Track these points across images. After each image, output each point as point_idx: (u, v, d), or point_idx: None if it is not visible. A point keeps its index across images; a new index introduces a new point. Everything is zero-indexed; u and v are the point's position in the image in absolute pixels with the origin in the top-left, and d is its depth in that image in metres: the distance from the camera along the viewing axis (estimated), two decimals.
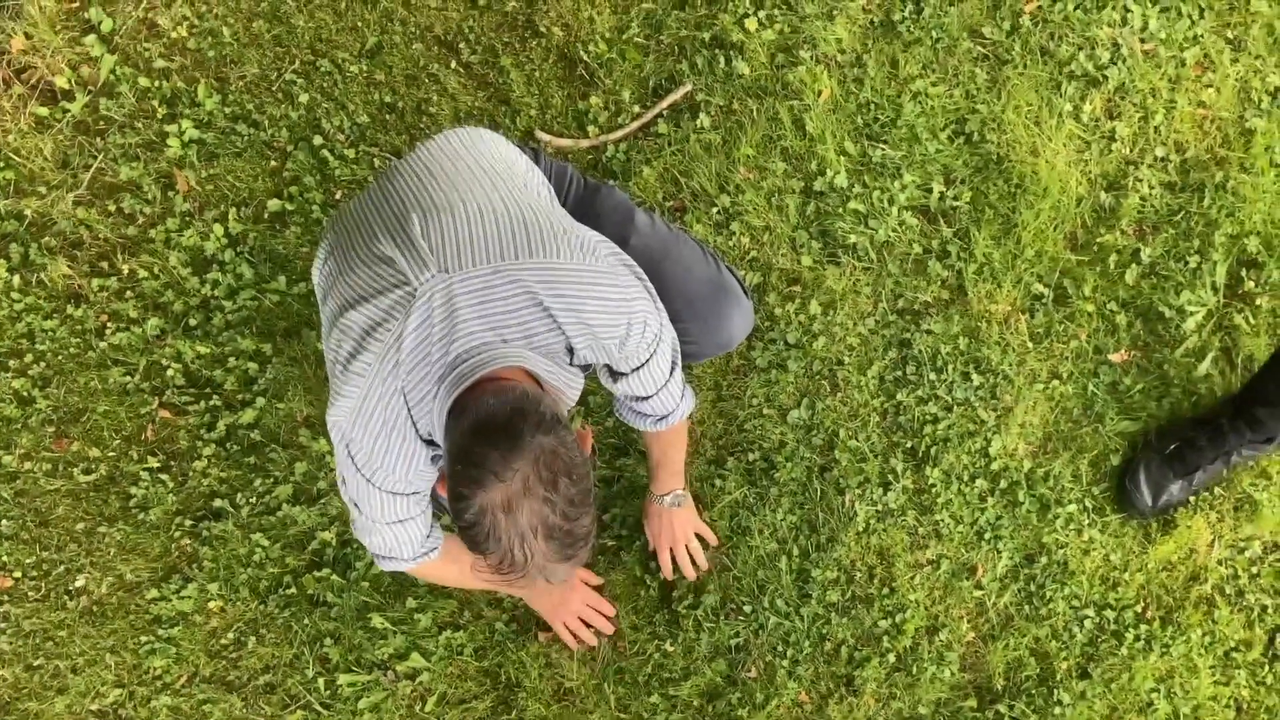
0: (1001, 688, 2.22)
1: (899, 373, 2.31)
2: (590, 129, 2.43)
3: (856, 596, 2.24)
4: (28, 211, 2.44)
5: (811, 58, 2.39)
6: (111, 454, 2.38)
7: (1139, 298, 2.31)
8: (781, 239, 2.35)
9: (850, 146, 2.37)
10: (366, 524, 1.67)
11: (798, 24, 2.42)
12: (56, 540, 2.36)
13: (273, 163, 2.45)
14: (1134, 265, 2.31)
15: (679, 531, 2.20)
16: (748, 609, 2.24)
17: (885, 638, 2.22)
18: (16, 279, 2.41)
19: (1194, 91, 2.36)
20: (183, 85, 2.47)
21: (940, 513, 2.24)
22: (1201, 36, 2.37)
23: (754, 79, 2.41)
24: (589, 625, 2.20)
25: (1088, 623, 2.22)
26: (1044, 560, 2.23)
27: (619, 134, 2.42)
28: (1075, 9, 2.38)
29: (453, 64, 2.46)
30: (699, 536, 2.24)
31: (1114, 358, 2.29)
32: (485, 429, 1.36)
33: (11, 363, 2.39)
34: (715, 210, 2.36)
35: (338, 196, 2.43)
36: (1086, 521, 2.24)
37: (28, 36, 2.48)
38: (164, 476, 2.36)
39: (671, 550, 2.22)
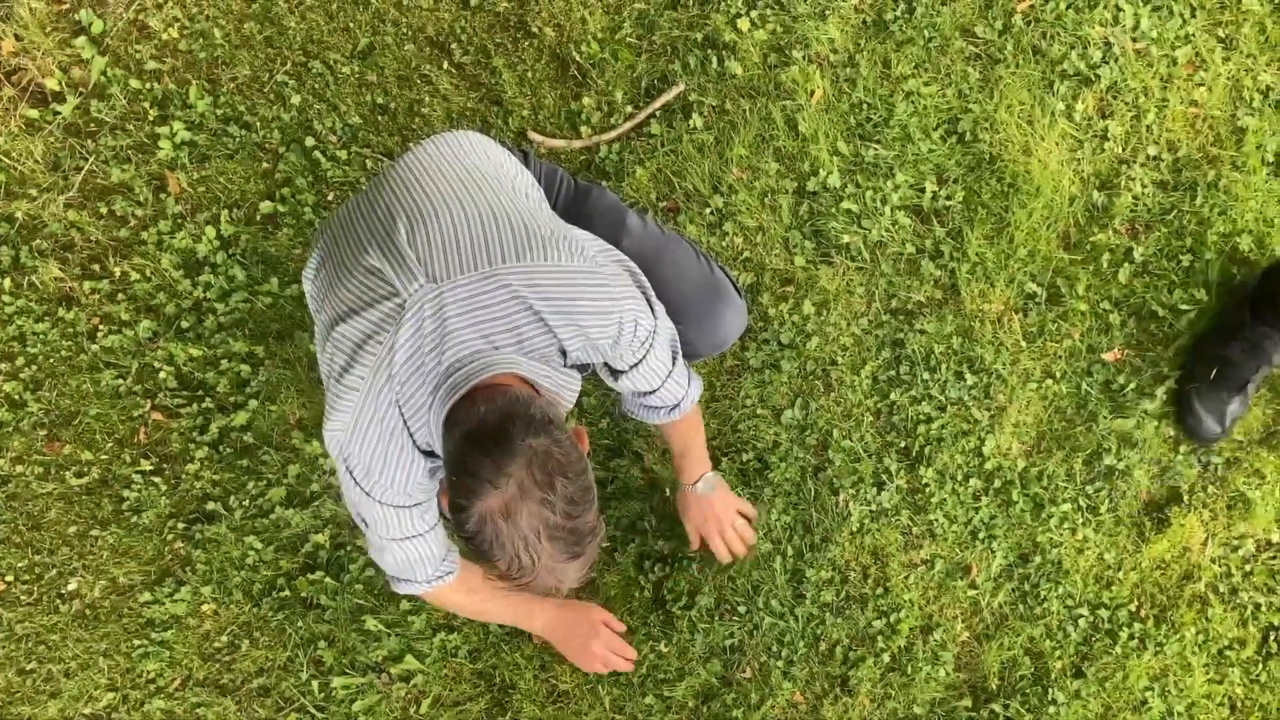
0: (996, 687, 2.22)
1: (892, 372, 2.30)
2: (583, 129, 2.43)
3: (851, 596, 2.24)
4: (19, 214, 2.43)
5: (804, 57, 2.39)
6: (104, 457, 2.37)
7: (1132, 296, 2.31)
8: (775, 239, 2.35)
9: (843, 146, 2.36)
10: (377, 542, 1.66)
11: (790, 24, 2.41)
12: (49, 544, 2.35)
13: (265, 164, 2.45)
14: (1127, 264, 2.31)
15: (722, 514, 2.16)
16: (742, 609, 2.24)
17: (880, 638, 2.22)
18: (7, 282, 2.40)
19: (1186, 90, 2.36)
20: (174, 87, 2.47)
21: (934, 512, 2.24)
22: (1193, 35, 2.37)
23: (746, 79, 2.41)
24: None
25: (1082, 622, 2.22)
26: (1038, 559, 2.23)
27: (612, 134, 2.41)
28: (1067, 8, 2.38)
29: (445, 65, 2.46)
30: (741, 514, 2.20)
31: (1107, 357, 2.30)
32: (476, 437, 1.36)
33: (3, 366, 2.38)
34: (709, 211, 2.36)
35: (330, 198, 2.42)
36: (1080, 520, 2.24)
37: (18, 38, 2.47)
38: (156, 479, 2.35)
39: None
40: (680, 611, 2.24)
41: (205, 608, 2.30)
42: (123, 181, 2.44)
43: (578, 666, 2.17)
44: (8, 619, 2.32)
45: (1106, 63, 2.36)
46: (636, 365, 1.68)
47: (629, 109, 2.43)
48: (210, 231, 2.41)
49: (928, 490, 2.25)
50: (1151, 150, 2.35)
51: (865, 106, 2.38)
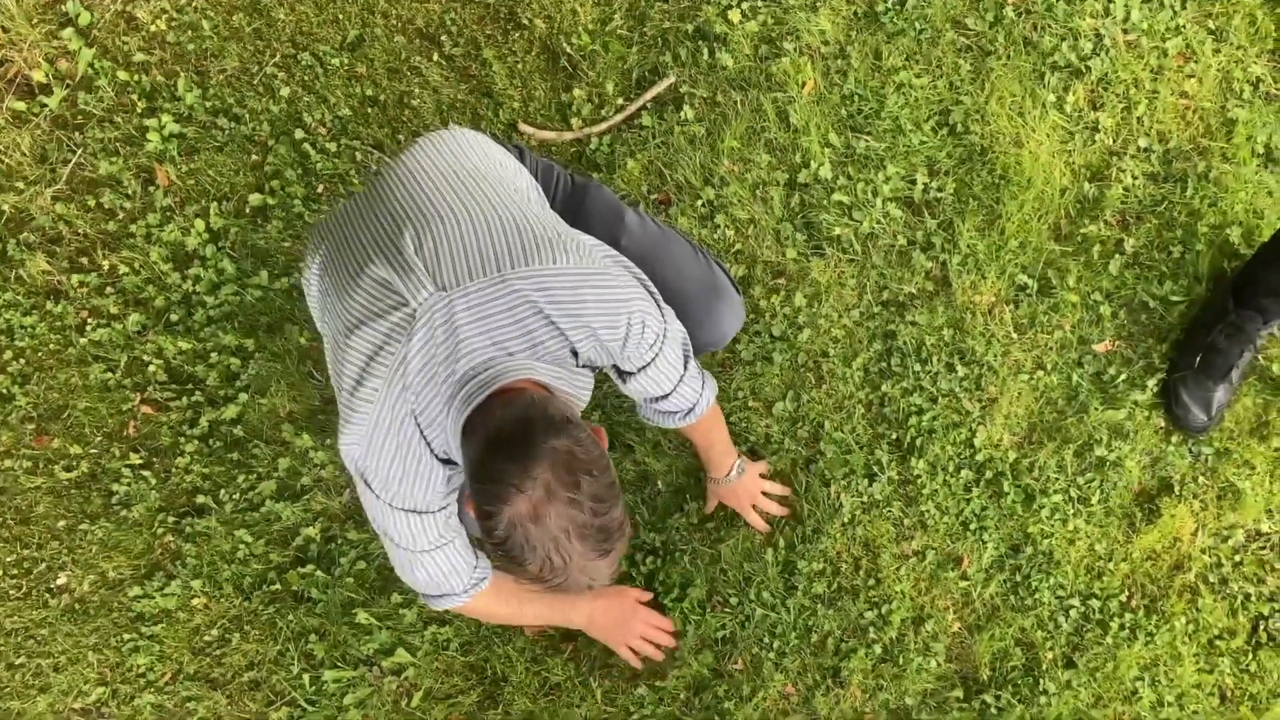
0: (987, 678, 2.23)
1: (884, 364, 2.30)
2: (574, 121, 2.42)
3: (842, 588, 2.24)
4: (5, 207, 2.42)
5: (795, 49, 2.39)
6: (93, 451, 2.36)
7: (1123, 288, 2.31)
8: (766, 231, 2.35)
9: (834, 138, 2.36)
10: (406, 557, 1.63)
11: (781, 15, 2.41)
12: (38, 538, 2.34)
13: (254, 157, 2.44)
14: (1117, 256, 2.31)
15: (753, 489, 2.21)
16: (734, 601, 2.24)
17: (871, 629, 2.22)
18: None
19: (1176, 82, 2.37)
20: (162, 79, 2.45)
21: (925, 504, 2.25)
22: (1183, 27, 2.37)
23: (738, 71, 2.40)
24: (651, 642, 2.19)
25: (1073, 612, 2.22)
26: (1029, 550, 2.24)
27: (603, 126, 2.41)
28: (1058, 0, 2.38)
29: (435, 56, 2.45)
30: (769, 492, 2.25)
31: (1098, 348, 2.30)
32: (497, 443, 1.36)
33: None
34: (700, 203, 2.36)
35: (319, 190, 2.41)
36: (1072, 511, 2.24)
37: (4, 30, 2.46)
38: (146, 473, 2.34)
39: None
40: (672, 604, 2.24)
41: (195, 602, 2.30)
42: (111, 174, 2.42)
43: (623, 658, 2.18)
44: None
45: (1097, 54, 2.36)
46: (646, 368, 1.67)
47: (620, 101, 2.42)
48: (199, 224, 2.40)
49: (919, 482, 2.25)
50: (1142, 142, 2.35)
51: (856, 98, 2.38)
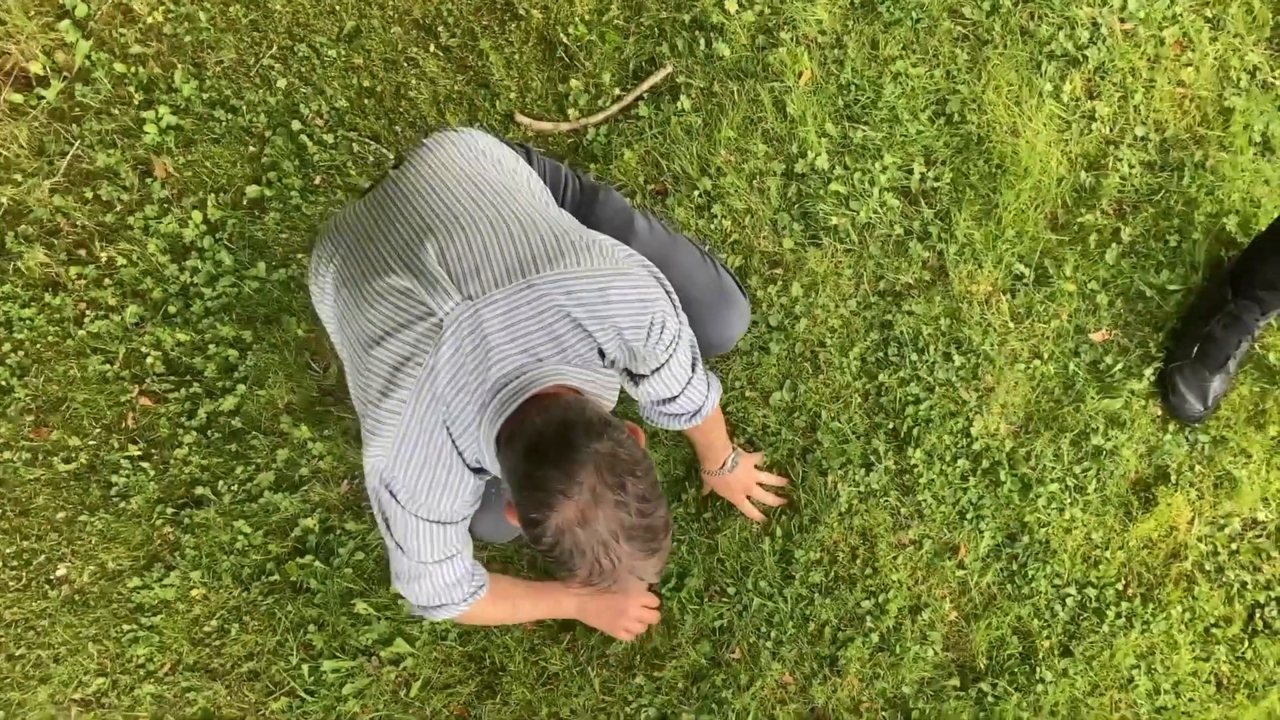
0: (984, 666, 2.23)
1: (881, 354, 2.31)
2: (570, 112, 2.42)
3: (839, 577, 2.25)
4: (3, 199, 2.42)
5: (792, 39, 2.38)
6: (92, 443, 2.37)
7: (1119, 277, 2.31)
8: (763, 221, 2.35)
9: (831, 128, 2.36)
10: (412, 570, 1.62)
11: (778, 5, 2.41)
12: (37, 529, 2.35)
13: (251, 148, 2.44)
14: (1114, 245, 2.31)
15: (747, 480, 2.22)
16: (731, 591, 2.24)
17: (868, 618, 2.23)
18: None
19: (1173, 70, 2.36)
20: (159, 71, 2.45)
21: (922, 493, 2.25)
22: (1180, 15, 2.37)
23: (734, 61, 2.40)
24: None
25: (1069, 601, 2.23)
26: (1026, 539, 2.24)
27: (599, 117, 2.41)
28: None
29: (431, 47, 2.45)
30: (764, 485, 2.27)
31: (1095, 337, 2.30)
32: (539, 449, 1.35)
33: None
34: (697, 193, 2.36)
35: (317, 182, 2.42)
36: (1068, 500, 2.25)
37: (1, 22, 2.46)
38: (145, 465, 2.35)
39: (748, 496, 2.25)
40: (669, 593, 2.24)
41: (194, 592, 2.30)
42: (108, 166, 2.42)
43: (615, 637, 2.20)
44: None
45: (1094, 43, 2.36)
46: (659, 370, 1.67)
47: (617, 91, 2.42)
48: (197, 216, 2.40)
49: (916, 471, 2.26)
50: (1139, 131, 2.35)
51: (853, 88, 2.37)
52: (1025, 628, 2.23)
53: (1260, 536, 2.26)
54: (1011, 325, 2.30)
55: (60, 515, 2.35)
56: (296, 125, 2.43)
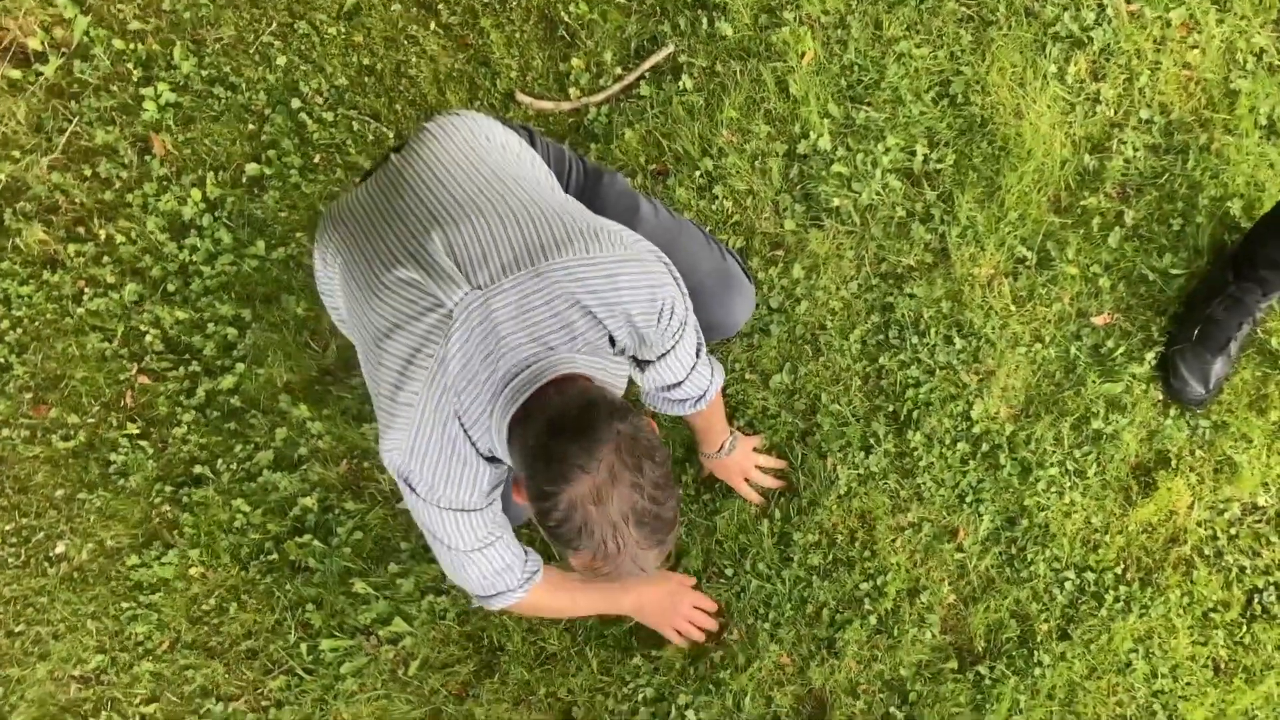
0: (982, 649, 2.23)
1: (881, 336, 2.30)
2: (572, 91, 2.40)
3: (838, 560, 2.25)
4: (1, 176, 2.41)
5: (795, 19, 2.37)
6: (90, 420, 2.37)
7: (1122, 260, 2.30)
8: (764, 202, 2.34)
9: (834, 109, 2.35)
10: (456, 558, 1.61)
11: None
12: (36, 507, 2.35)
13: (250, 126, 2.43)
14: (1117, 228, 2.30)
15: (745, 463, 2.22)
16: (729, 572, 2.24)
17: (866, 600, 2.23)
18: None
19: (1179, 53, 2.35)
20: (158, 48, 2.44)
21: (922, 476, 2.25)
22: None
23: (737, 40, 2.38)
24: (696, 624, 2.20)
25: (1068, 584, 2.23)
26: (1025, 523, 2.24)
27: (601, 96, 2.39)
28: None
29: (432, 25, 2.43)
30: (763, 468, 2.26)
31: (1096, 321, 2.29)
32: (561, 424, 1.34)
33: None
34: (698, 174, 2.34)
35: (316, 160, 2.40)
36: (1068, 484, 2.24)
37: None
38: (143, 443, 2.35)
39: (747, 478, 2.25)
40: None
41: (193, 571, 2.31)
42: (107, 143, 2.41)
43: (671, 640, 2.19)
44: None
45: (1099, 25, 2.34)
46: (665, 356, 1.66)
47: (618, 70, 2.40)
48: (196, 194, 2.39)
49: (915, 454, 2.25)
50: (1144, 113, 2.33)
51: (856, 69, 2.36)
52: (1023, 611, 2.23)
53: (1260, 521, 2.26)
54: (1013, 308, 2.29)
55: (59, 493, 2.35)
56: (296, 103, 2.41)
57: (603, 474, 1.30)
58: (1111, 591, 2.22)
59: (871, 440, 2.27)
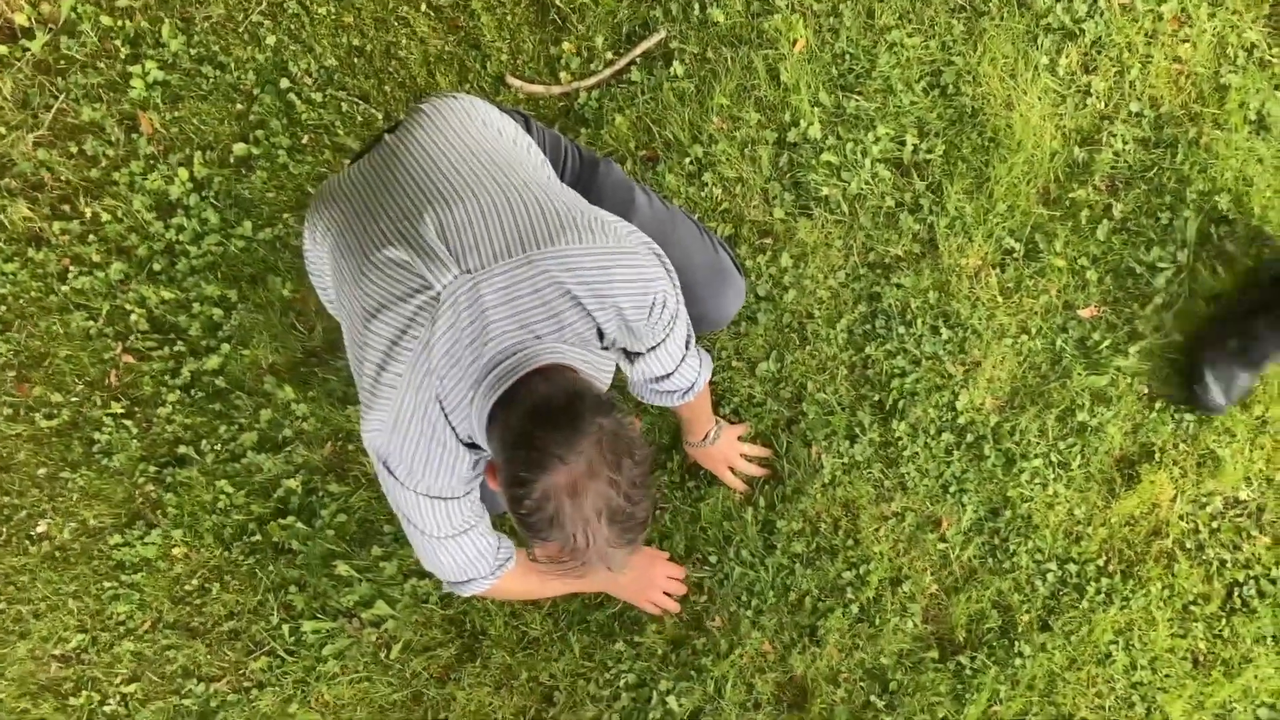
0: (963, 639, 2.24)
1: (868, 326, 2.30)
2: (562, 75, 2.39)
3: (821, 548, 2.25)
4: None
5: (787, 6, 2.36)
6: (74, 399, 2.36)
7: (1109, 253, 2.30)
8: (754, 190, 2.33)
9: (824, 97, 2.34)
10: (429, 544, 1.61)
11: None
12: (18, 485, 2.34)
13: (239, 106, 2.41)
14: (1105, 221, 2.30)
15: (729, 452, 2.22)
16: (713, 559, 2.25)
17: (849, 589, 2.23)
18: None
19: (1170, 46, 2.35)
20: (146, 25, 2.42)
21: (906, 466, 2.25)
22: None
23: (729, 27, 2.38)
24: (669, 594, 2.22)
25: (1050, 576, 2.24)
26: (1008, 514, 2.24)
27: (591, 81, 2.38)
28: None
29: (422, 7, 2.42)
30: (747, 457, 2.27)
31: (1083, 313, 2.30)
32: (544, 413, 1.34)
33: None
34: (688, 160, 2.34)
35: (304, 141, 2.39)
36: (1052, 476, 2.25)
37: None
38: (127, 422, 2.34)
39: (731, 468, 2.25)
40: None
41: (176, 551, 2.30)
42: (94, 121, 2.40)
43: (637, 605, 2.21)
44: None
45: (1091, 17, 2.34)
46: (655, 348, 1.65)
47: (609, 55, 2.39)
48: (183, 173, 2.38)
49: (900, 444, 2.26)
50: (1134, 106, 2.33)
51: (848, 57, 2.35)
52: (1005, 602, 2.24)
53: (1241, 516, 2.27)
54: (1000, 300, 2.30)
55: (41, 471, 2.34)
56: (285, 83, 2.40)
57: (581, 467, 1.29)
58: (1093, 583, 2.23)
59: (857, 429, 2.27)
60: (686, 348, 1.73)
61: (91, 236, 2.38)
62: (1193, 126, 2.32)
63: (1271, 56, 2.34)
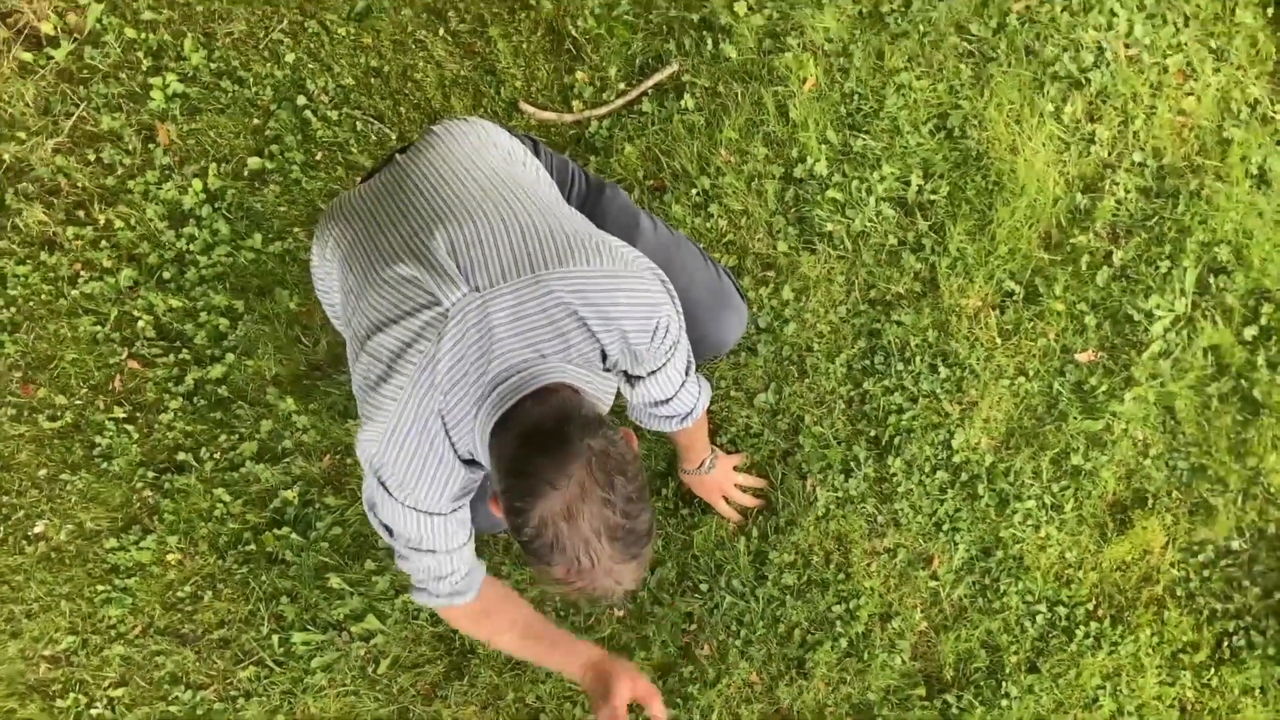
0: (951, 678, 2.24)
1: (867, 362, 2.32)
2: (575, 104, 2.43)
3: (812, 581, 2.26)
4: (6, 156, 2.43)
5: (799, 45, 2.40)
6: (78, 402, 2.38)
7: (1108, 299, 2.32)
8: (759, 223, 2.36)
9: (832, 135, 2.37)
10: (402, 550, 1.61)
11: (787, 10, 2.42)
12: (18, 485, 2.35)
13: (255, 121, 2.45)
14: (1105, 267, 2.32)
15: (724, 481, 2.23)
16: (704, 587, 2.25)
17: (838, 623, 2.24)
18: None
19: (1175, 99, 2.38)
20: (169, 38, 2.47)
21: (900, 502, 2.26)
22: (1185, 44, 2.38)
23: (740, 63, 2.41)
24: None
25: (1040, 618, 2.24)
26: (1000, 554, 2.25)
27: (603, 110, 2.42)
28: (1062, 10, 2.39)
29: (441, 31, 2.46)
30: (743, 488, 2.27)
31: (1080, 358, 2.31)
32: (533, 438, 1.35)
33: None
34: (695, 191, 2.37)
35: (318, 157, 2.43)
36: (1045, 518, 2.26)
37: None
38: (129, 427, 2.36)
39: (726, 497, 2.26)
40: (640, 585, 2.25)
41: (170, 557, 2.31)
42: (112, 129, 2.44)
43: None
44: None
45: (1098, 67, 2.37)
46: (655, 373, 1.67)
47: (622, 85, 2.43)
48: (197, 184, 2.41)
49: (895, 480, 2.27)
50: (1137, 156, 2.36)
51: (856, 97, 2.39)
52: (994, 642, 2.24)
53: (1233, 566, 2.27)
54: (999, 341, 2.31)
55: (42, 472, 2.36)
56: (302, 100, 2.44)
57: (573, 490, 1.30)
58: (1082, 627, 2.23)
59: (852, 464, 2.28)
60: (686, 374, 1.74)
61: (104, 243, 2.41)
62: (1195, 178, 2.35)
63: (1274, 113, 2.37)
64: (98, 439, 2.36)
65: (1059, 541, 2.26)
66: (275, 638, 2.26)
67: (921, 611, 2.25)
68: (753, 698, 2.23)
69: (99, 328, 2.38)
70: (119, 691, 2.29)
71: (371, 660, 2.25)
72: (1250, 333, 2.31)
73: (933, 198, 2.36)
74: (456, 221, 1.52)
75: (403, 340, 1.46)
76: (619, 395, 1.73)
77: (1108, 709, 2.21)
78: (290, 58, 2.46)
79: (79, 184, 2.43)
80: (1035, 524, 2.26)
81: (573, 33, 2.44)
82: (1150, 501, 2.26)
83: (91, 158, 2.44)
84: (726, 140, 2.38)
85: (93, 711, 2.29)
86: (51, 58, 2.46)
